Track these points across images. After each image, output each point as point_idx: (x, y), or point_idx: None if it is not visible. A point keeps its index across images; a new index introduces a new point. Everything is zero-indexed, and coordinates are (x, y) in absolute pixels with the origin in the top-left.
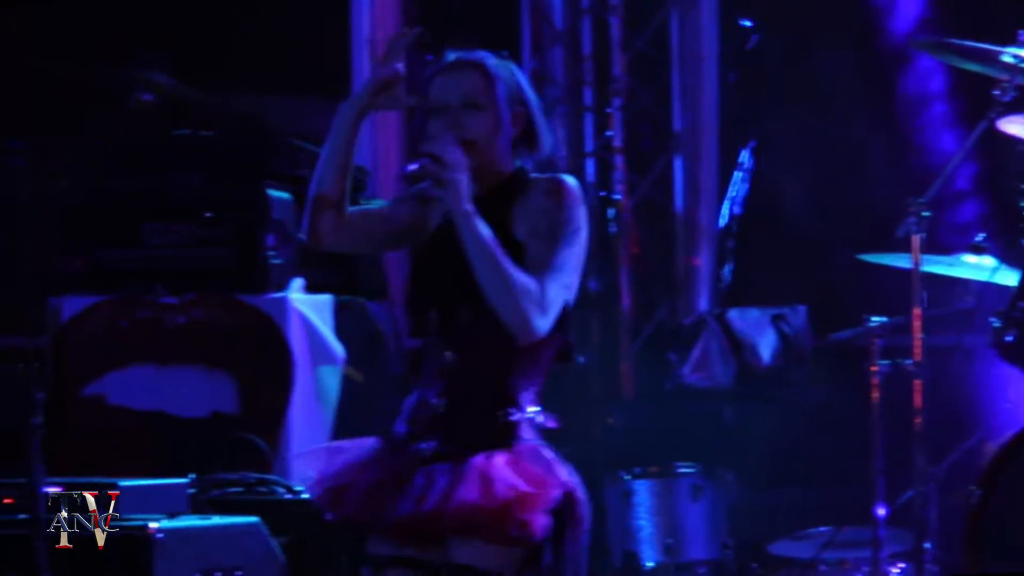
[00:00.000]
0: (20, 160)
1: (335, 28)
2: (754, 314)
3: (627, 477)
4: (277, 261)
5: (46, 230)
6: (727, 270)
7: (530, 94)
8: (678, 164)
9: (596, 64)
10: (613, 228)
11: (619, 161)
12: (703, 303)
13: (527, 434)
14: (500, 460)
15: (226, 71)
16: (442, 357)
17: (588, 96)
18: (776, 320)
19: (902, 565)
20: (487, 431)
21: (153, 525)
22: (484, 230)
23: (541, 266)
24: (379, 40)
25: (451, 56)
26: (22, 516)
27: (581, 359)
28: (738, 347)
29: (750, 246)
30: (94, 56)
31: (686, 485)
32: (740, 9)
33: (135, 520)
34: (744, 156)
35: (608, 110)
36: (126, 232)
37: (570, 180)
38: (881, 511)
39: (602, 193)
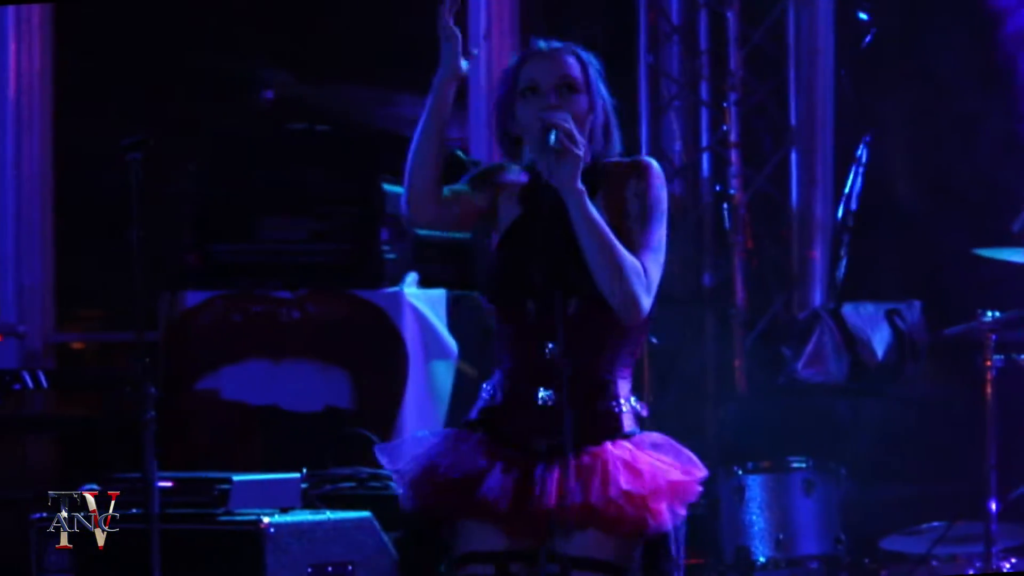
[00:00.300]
0: (136, 155)
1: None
2: (869, 309)
3: (739, 472)
4: (391, 256)
5: (161, 225)
6: (842, 264)
7: (605, 90)
8: (794, 158)
9: (712, 59)
10: (728, 222)
11: (735, 156)
12: (817, 297)
13: (632, 424)
14: (631, 448)
15: (342, 67)
16: (542, 348)
17: (704, 91)
18: (891, 315)
19: (1014, 560)
20: (598, 423)
21: (265, 519)
22: (595, 211)
23: (639, 246)
24: (495, 35)
25: (541, 43)
26: (135, 511)
27: (654, 339)
28: (852, 342)
29: (865, 240)
30: (213, 52)
31: (798, 480)
32: (857, 2)
33: (248, 514)
34: (860, 150)
35: (724, 104)
36: (241, 227)
37: (653, 161)
38: (994, 506)
39: (717, 188)
